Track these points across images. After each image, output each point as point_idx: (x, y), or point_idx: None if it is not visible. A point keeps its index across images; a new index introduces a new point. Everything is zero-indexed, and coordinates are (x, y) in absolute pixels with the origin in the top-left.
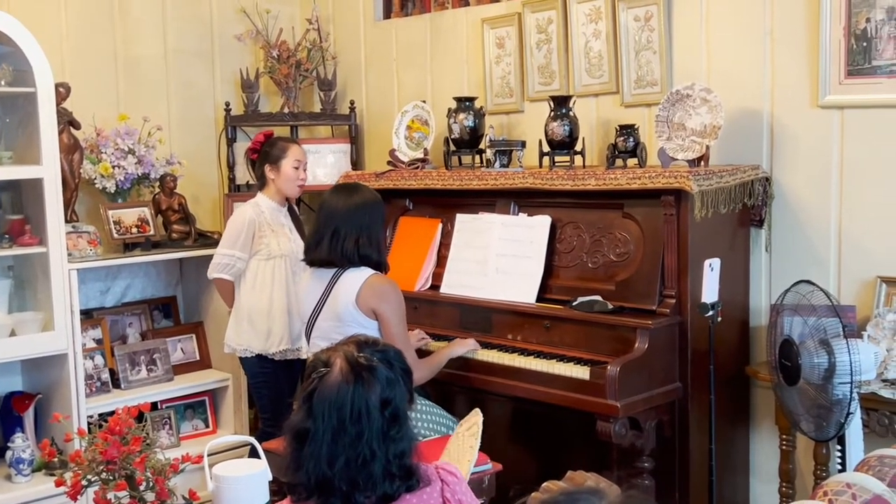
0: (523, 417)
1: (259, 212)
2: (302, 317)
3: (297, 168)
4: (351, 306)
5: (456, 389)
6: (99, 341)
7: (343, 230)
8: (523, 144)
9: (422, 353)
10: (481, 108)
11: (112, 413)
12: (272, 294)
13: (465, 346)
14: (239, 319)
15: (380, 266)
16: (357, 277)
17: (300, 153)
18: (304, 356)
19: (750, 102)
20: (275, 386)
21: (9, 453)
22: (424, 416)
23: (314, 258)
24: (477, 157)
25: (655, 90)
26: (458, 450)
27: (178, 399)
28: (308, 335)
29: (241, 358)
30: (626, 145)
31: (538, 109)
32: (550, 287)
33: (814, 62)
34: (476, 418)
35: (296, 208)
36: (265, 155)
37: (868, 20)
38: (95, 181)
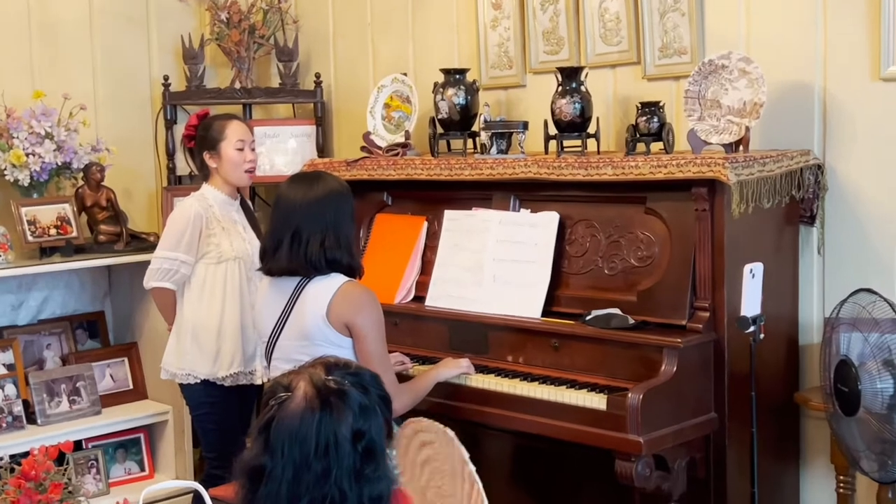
0: (527, 455)
1: (206, 206)
2: (261, 335)
3: (240, 149)
4: (320, 321)
5: (445, 422)
6: (10, 367)
7: (305, 231)
8: (525, 126)
9: (401, 378)
10: (474, 82)
11: (26, 454)
12: (223, 305)
13: (457, 368)
14: (181, 338)
15: (352, 270)
16: (327, 286)
17: (242, 130)
18: (258, 381)
19: (798, 75)
20: (224, 418)
21: None
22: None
23: (273, 267)
24: (469, 142)
25: (684, 60)
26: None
27: (108, 437)
28: (268, 357)
29: (182, 385)
30: (650, 127)
31: (543, 84)
32: (559, 298)
33: (875, 27)
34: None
35: (249, 202)
36: (202, 140)
37: None
38: (6, 172)
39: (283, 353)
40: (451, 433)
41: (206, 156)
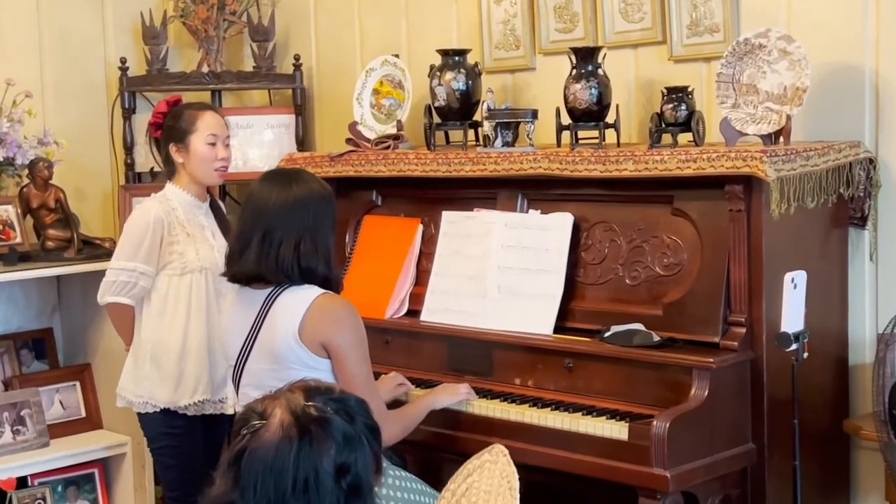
0: (536, 493)
1: (169, 209)
2: (228, 358)
3: (212, 144)
4: (292, 340)
5: (443, 455)
6: None
7: (278, 232)
8: (534, 115)
9: (398, 404)
10: (476, 64)
11: None
12: (188, 322)
13: (455, 394)
14: (139, 360)
15: (328, 283)
16: (300, 299)
17: (216, 123)
18: (230, 410)
19: (846, 56)
20: (186, 453)
21: None
22: (398, 492)
23: (237, 271)
24: (471, 133)
25: (716, 39)
26: None
27: (57, 472)
28: (236, 383)
29: (139, 414)
30: (677, 115)
31: (555, 66)
32: (573, 312)
33: None
34: (498, 460)
35: (220, 203)
36: (169, 130)
37: None
38: None
39: (254, 379)
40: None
41: (172, 149)
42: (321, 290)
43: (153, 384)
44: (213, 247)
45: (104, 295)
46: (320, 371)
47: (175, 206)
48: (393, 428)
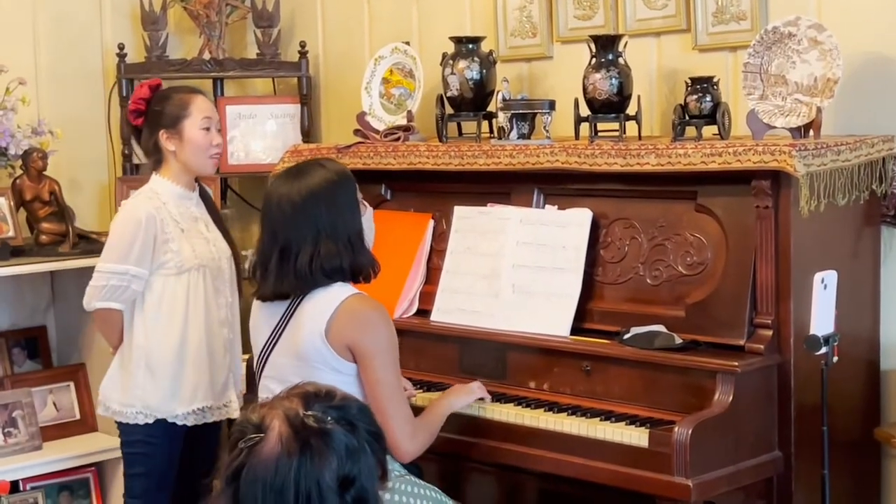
0: (551, 501)
1: (159, 204)
2: (254, 351)
3: (206, 129)
4: (318, 340)
5: (455, 461)
6: None
7: (293, 245)
8: (552, 106)
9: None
10: (491, 52)
11: None
12: (185, 326)
13: (469, 394)
14: (130, 368)
15: (359, 272)
16: (327, 299)
17: (208, 107)
18: (234, 414)
19: (879, 45)
20: (160, 463)
21: None
22: (410, 499)
23: (264, 293)
24: (484, 125)
25: (743, 27)
26: None
27: (50, 476)
28: (259, 373)
29: (120, 422)
30: (701, 107)
31: (573, 55)
32: (592, 313)
33: None
34: None
35: (209, 191)
36: (157, 116)
37: None
38: None
39: (276, 371)
40: None
41: (162, 136)
42: (352, 291)
43: (147, 394)
44: (209, 240)
45: (92, 300)
46: (345, 375)
47: (165, 200)
48: (423, 438)
